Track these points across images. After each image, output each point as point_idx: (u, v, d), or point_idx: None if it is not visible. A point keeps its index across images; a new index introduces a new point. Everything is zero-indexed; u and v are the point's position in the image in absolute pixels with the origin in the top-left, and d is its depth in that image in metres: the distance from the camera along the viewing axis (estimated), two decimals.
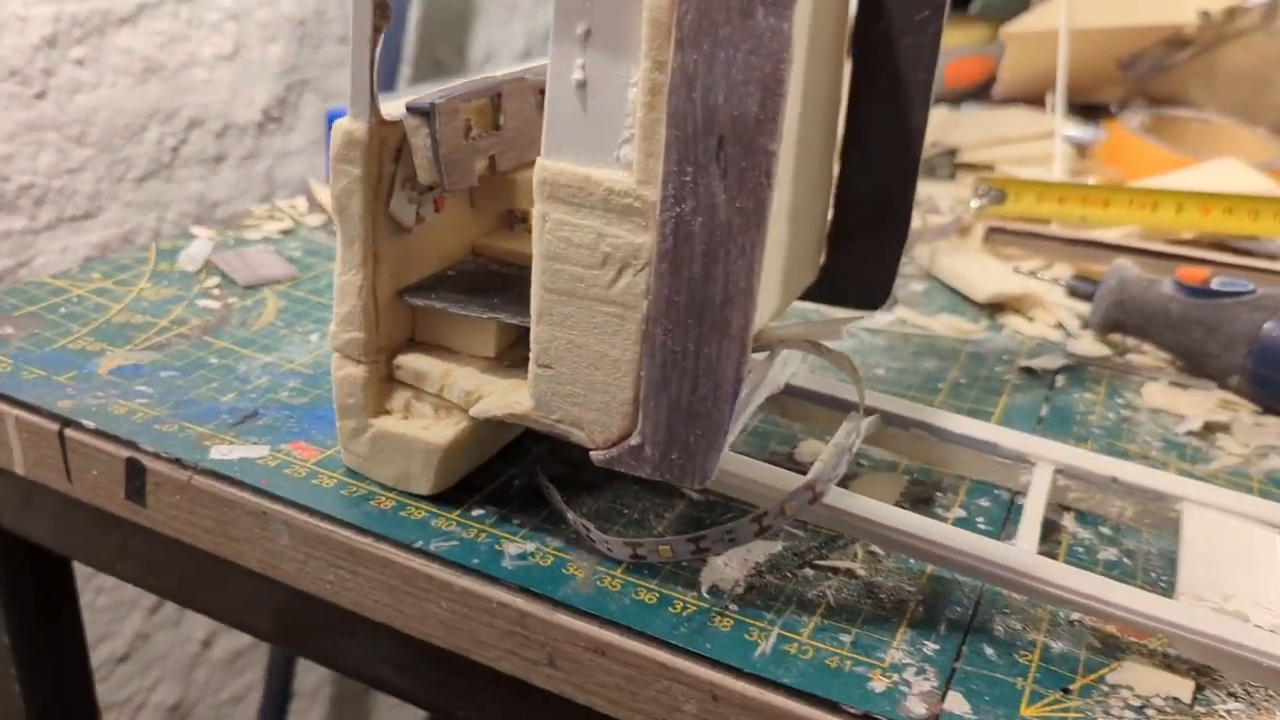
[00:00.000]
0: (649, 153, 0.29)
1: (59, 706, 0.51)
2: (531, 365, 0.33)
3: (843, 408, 0.41)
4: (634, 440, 0.32)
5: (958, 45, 0.88)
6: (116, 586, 0.90)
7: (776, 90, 0.27)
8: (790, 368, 0.43)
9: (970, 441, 0.40)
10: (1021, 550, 0.34)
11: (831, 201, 0.42)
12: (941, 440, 0.41)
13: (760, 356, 0.40)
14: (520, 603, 0.33)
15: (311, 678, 1.18)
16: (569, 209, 0.31)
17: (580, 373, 0.32)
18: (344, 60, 1.01)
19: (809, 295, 0.44)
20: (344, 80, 1.02)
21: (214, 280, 0.53)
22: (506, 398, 0.35)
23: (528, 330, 0.33)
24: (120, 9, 0.78)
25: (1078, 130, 0.80)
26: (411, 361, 0.37)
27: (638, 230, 0.30)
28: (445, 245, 0.38)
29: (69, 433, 0.40)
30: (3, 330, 0.46)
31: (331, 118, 0.64)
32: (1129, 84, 0.81)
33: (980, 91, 0.87)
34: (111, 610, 0.91)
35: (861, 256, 0.43)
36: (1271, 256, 0.60)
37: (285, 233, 0.59)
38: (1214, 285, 0.49)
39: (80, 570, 0.85)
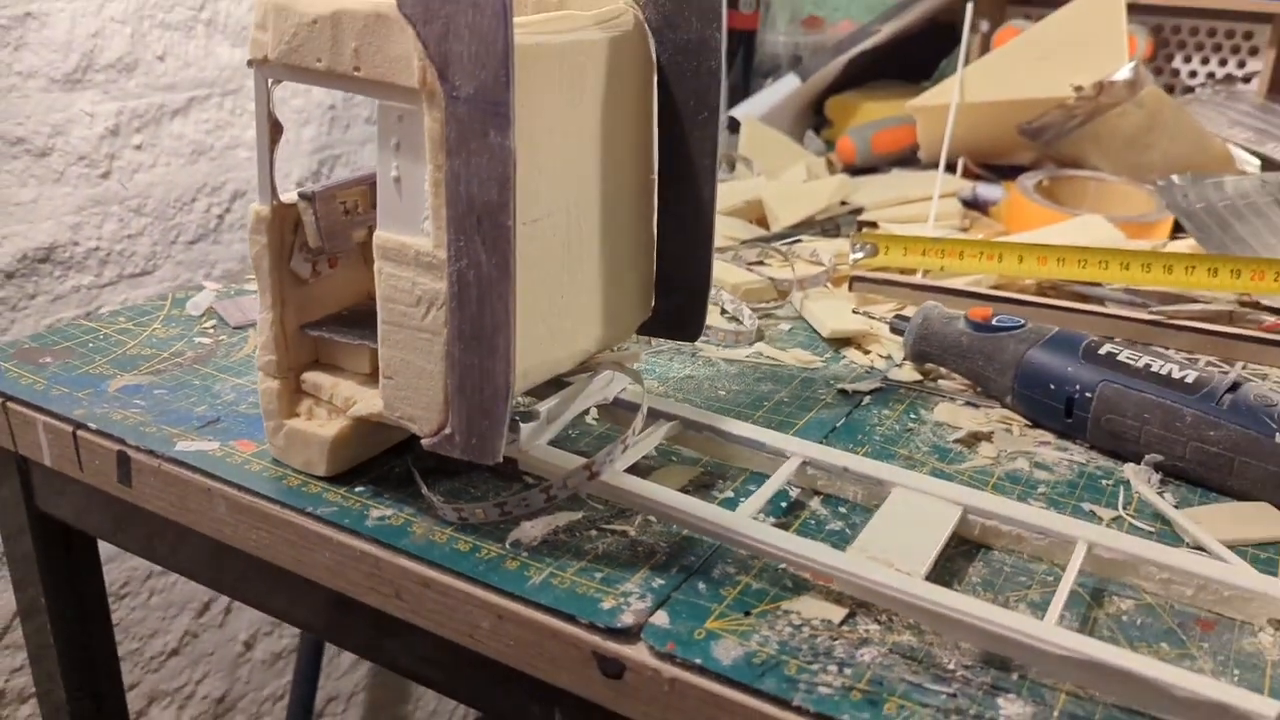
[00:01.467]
0: (439, 225, 0.42)
1: (84, 652, 0.66)
2: (380, 377, 0.46)
3: (657, 417, 0.53)
4: (447, 430, 0.45)
5: (892, 116, 0.99)
6: (167, 588, 1.06)
7: (506, 184, 0.40)
8: (618, 385, 0.55)
9: (745, 441, 0.51)
10: (741, 517, 0.45)
11: (654, 258, 0.54)
12: (726, 441, 0.52)
13: (584, 375, 0.52)
14: (375, 550, 0.46)
15: (346, 681, 1.32)
16: (395, 265, 0.44)
17: (411, 381, 0.45)
18: (372, 136, 1.17)
19: (645, 329, 0.56)
20: (372, 155, 1.17)
21: (212, 322, 0.67)
22: (371, 402, 0.47)
23: None
24: (173, 103, 0.95)
25: (987, 189, 0.91)
26: (312, 377, 0.50)
27: (437, 279, 0.43)
28: (343, 291, 0.52)
29: (80, 433, 0.55)
30: (43, 359, 0.61)
31: None
32: (1037, 148, 0.91)
33: (910, 157, 0.98)
34: (163, 609, 1.06)
35: (678, 300, 0.55)
36: (1099, 300, 0.70)
37: None
38: (994, 321, 0.59)
39: (135, 572, 1.00)
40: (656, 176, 0.53)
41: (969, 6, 0.92)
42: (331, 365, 0.51)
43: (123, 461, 0.53)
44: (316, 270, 0.50)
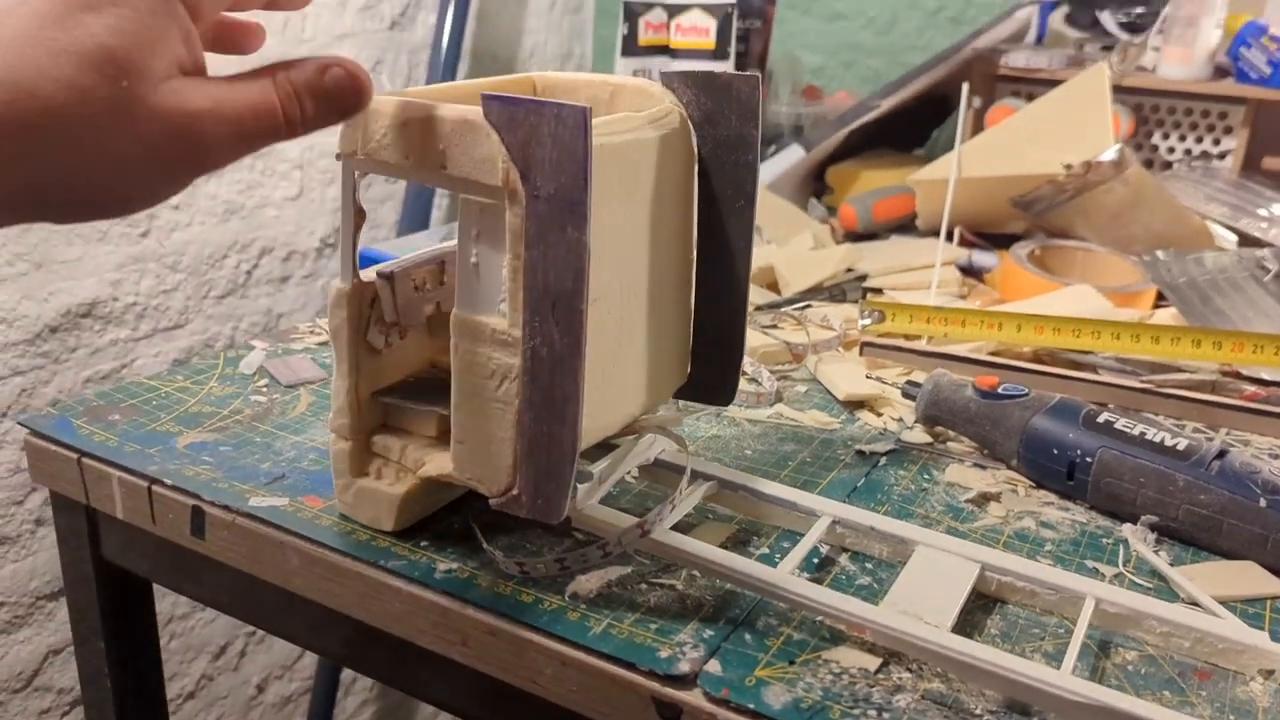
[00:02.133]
0: (515, 308, 0.46)
1: (138, 696, 0.69)
2: (453, 441, 0.50)
3: (696, 477, 0.58)
4: (514, 491, 0.49)
5: (891, 185, 1.05)
6: (186, 632, 1.08)
7: (581, 274, 0.44)
8: (659, 446, 0.59)
9: (779, 501, 0.56)
10: (781, 573, 0.49)
11: (691, 329, 0.59)
12: (761, 500, 0.57)
13: (630, 437, 0.57)
14: (444, 602, 0.50)
15: None
16: (471, 341, 0.48)
17: (481, 446, 0.49)
18: (388, 195, 1.22)
19: (681, 394, 0.61)
20: (386, 213, 1.22)
21: (264, 381, 0.71)
22: (440, 463, 0.52)
23: None
24: None
25: (982, 257, 0.96)
26: (381, 439, 0.54)
27: (511, 355, 0.47)
28: (410, 361, 0.56)
29: (155, 488, 0.58)
30: (112, 417, 0.65)
31: (363, 255, 0.83)
32: (1028, 219, 0.97)
33: (908, 224, 1.04)
34: (181, 653, 1.09)
35: (713, 368, 0.60)
36: (1092, 368, 0.75)
37: (321, 344, 0.78)
38: (1000, 389, 0.64)
39: (158, 616, 1.03)
40: (695, 256, 0.58)
41: (965, 86, 0.98)
42: (399, 428, 0.55)
43: (197, 515, 0.57)
44: (389, 341, 0.54)
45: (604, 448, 0.57)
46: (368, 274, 0.52)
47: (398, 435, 0.54)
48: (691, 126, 0.56)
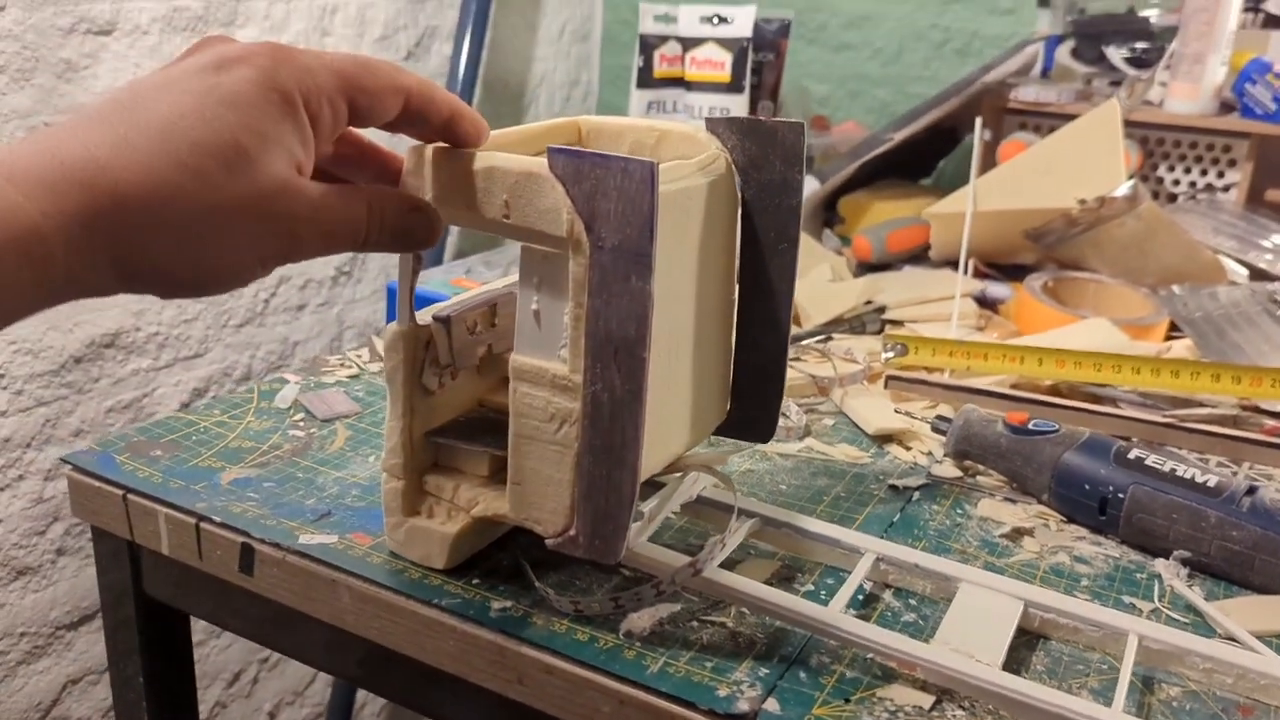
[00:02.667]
0: (576, 354, 0.47)
1: None
2: (509, 483, 0.51)
3: (741, 514, 0.59)
4: (572, 532, 0.50)
5: (902, 216, 1.07)
6: (201, 659, 1.08)
7: (645, 322, 0.45)
8: (701, 484, 0.60)
9: (822, 538, 0.57)
10: (831, 611, 0.50)
11: (732, 367, 0.60)
12: (804, 537, 0.58)
13: (675, 475, 0.58)
14: (499, 640, 0.51)
15: None
16: (530, 385, 0.49)
17: (538, 488, 0.50)
18: None
19: (720, 431, 0.62)
20: None
21: (300, 415, 0.72)
22: (494, 503, 0.53)
23: (507, 458, 0.51)
24: None
25: (996, 288, 0.98)
26: (434, 478, 0.55)
27: (571, 399, 0.48)
28: (460, 401, 0.57)
29: (203, 525, 0.59)
30: (154, 453, 0.65)
31: (390, 288, 0.84)
32: (1039, 251, 0.99)
33: (921, 254, 1.05)
34: (198, 680, 1.09)
35: (752, 405, 0.61)
36: (1113, 400, 0.77)
37: (352, 377, 0.79)
38: (1030, 425, 0.65)
39: None
40: (737, 297, 0.59)
41: (978, 120, 1.00)
42: (451, 468, 0.56)
43: (246, 553, 0.58)
44: (441, 383, 0.55)
45: (651, 485, 0.58)
46: (423, 316, 0.53)
47: (449, 475, 0.55)
48: (736, 171, 0.57)
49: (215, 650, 1.09)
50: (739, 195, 0.57)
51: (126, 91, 0.39)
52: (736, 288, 0.59)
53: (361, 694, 1.29)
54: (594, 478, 0.48)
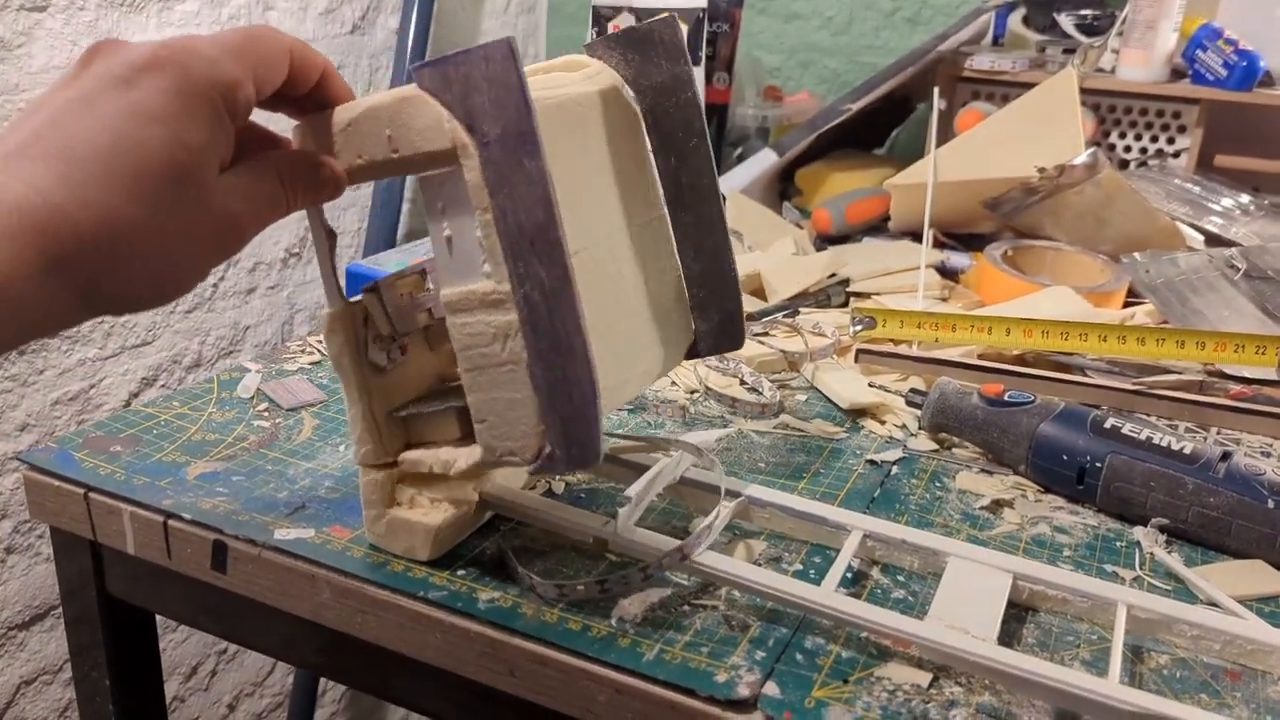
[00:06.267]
0: (496, 262, 0.46)
1: None
2: (475, 424, 0.49)
3: (726, 494, 0.58)
4: (547, 450, 0.48)
5: (861, 187, 1.07)
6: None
7: (549, 203, 0.44)
8: (686, 464, 0.59)
9: (808, 516, 0.57)
10: (824, 591, 0.50)
11: (683, 284, 0.59)
12: (789, 515, 0.57)
13: (657, 456, 0.57)
14: (489, 632, 0.50)
15: None
16: (465, 314, 0.47)
17: (503, 417, 0.48)
18: (353, 201, 1.20)
19: (694, 352, 0.61)
20: (350, 220, 1.20)
21: (264, 405, 0.70)
22: (469, 454, 0.51)
23: None
24: None
25: (956, 258, 0.98)
26: (410, 456, 0.53)
27: (506, 311, 0.46)
28: (416, 378, 0.56)
29: (171, 523, 0.57)
30: (114, 448, 0.63)
31: (349, 270, 0.82)
32: (997, 219, 0.99)
33: (880, 225, 1.05)
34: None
35: (715, 313, 0.60)
36: (1081, 369, 0.78)
37: (314, 364, 0.77)
38: (1006, 397, 0.66)
39: None
40: (665, 210, 0.58)
41: (935, 90, 1.00)
42: (422, 443, 0.54)
43: (219, 550, 0.56)
44: (391, 358, 0.53)
45: (635, 469, 0.57)
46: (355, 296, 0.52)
47: (425, 449, 0.54)
48: (628, 85, 0.56)
49: (172, 644, 1.07)
50: (635, 108, 0.56)
51: (40, 117, 0.39)
52: (662, 196, 0.58)
53: (323, 681, 1.27)
54: (552, 382, 0.46)
